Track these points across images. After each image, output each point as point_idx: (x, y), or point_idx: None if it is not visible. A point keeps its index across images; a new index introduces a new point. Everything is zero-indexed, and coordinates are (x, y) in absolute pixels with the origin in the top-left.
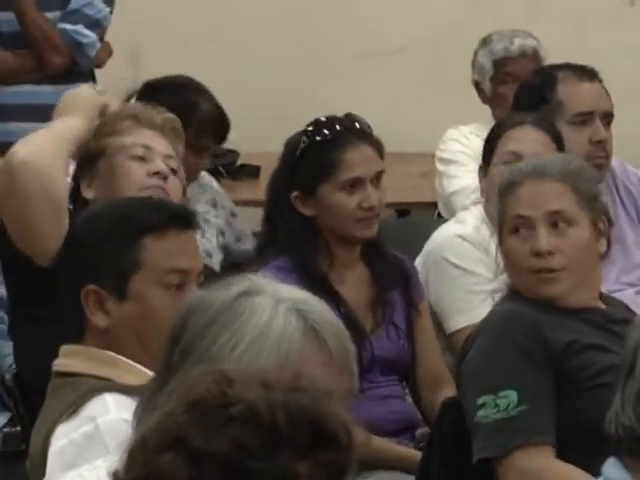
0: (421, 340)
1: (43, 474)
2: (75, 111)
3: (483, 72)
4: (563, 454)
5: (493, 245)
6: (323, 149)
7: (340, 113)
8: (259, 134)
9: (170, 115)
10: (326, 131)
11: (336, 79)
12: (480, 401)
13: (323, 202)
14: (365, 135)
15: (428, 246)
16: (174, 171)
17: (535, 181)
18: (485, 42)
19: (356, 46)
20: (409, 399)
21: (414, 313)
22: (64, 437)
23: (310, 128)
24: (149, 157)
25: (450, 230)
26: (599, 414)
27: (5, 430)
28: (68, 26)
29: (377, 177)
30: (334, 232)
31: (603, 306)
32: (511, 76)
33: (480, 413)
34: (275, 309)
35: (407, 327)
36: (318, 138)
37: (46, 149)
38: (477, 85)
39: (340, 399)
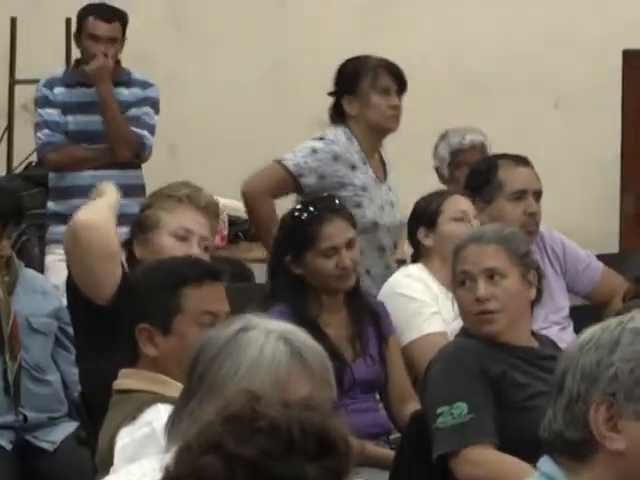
0: (391, 365)
1: (109, 465)
2: (108, 193)
3: (442, 160)
4: None
5: (432, 283)
6: (307, 225)
7: None
8: None
9: (213, 199)
10: (309, 210)
11: None
12: (439, 411)
13: (309, 265)
14: (339, 211)
15: (384, 289)
16: (206, 248)
17: (475, 244)
18: (443, 137)
19: None
20: (383, 411)
21: (384, 345)
22: (127, 437)
23: (297, 207)
24: (189, 238)
25: (399, 274)
26: (530, 430)
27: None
28: (138, 130)
29: (349, 242)
30: (320, 286)
31: (536, 344)
32: (464, 163)
33: (439, 420)
34: (266, 339)
35: (379, 356)
36: (303, 217)
37: (101, 212)
38: (437, 170)
39: (325, 405)
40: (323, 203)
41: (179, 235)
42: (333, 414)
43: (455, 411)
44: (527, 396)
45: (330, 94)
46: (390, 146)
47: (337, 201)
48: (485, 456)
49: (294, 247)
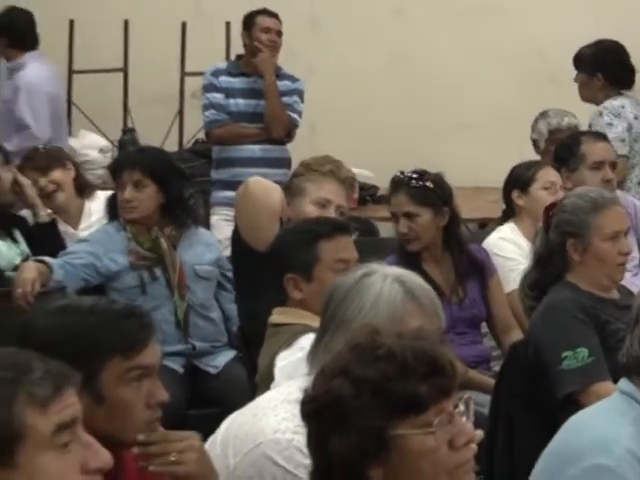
0: (492, 302)
1: (269, 382)
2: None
3: (540, 134)
4: None
5: (522, 241)
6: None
7: (440, 165)
8: (392, 175)
9: (351, 173)
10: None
11: (440, 139)
12: (563, 355)
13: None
14: (403, 186)
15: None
16: (342, 213)
17: (620, 206)
18: (544, 115)
19: (453, 117)
20: (485, 342)
21: (485, 287)
22: (285, 360)
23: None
24: (327, 206)
25: (494, 236)
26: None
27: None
28: (291, 114)
29: (407, 214)
30: None
31: (618, 295)
32: (558, 140)
33: (565, 363)
34: (384, 282)
35: (481, 297)
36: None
37: (272, 183)
38: (534, 142)
39: (434, 335)
40: (402, 176)
41: (319, 203)
42: (440, 341)
43: (578, 355)
44: (617, 340)
45: None
46: (496, 126)
47: (412, 181)
48: (610, 390)
49: None
